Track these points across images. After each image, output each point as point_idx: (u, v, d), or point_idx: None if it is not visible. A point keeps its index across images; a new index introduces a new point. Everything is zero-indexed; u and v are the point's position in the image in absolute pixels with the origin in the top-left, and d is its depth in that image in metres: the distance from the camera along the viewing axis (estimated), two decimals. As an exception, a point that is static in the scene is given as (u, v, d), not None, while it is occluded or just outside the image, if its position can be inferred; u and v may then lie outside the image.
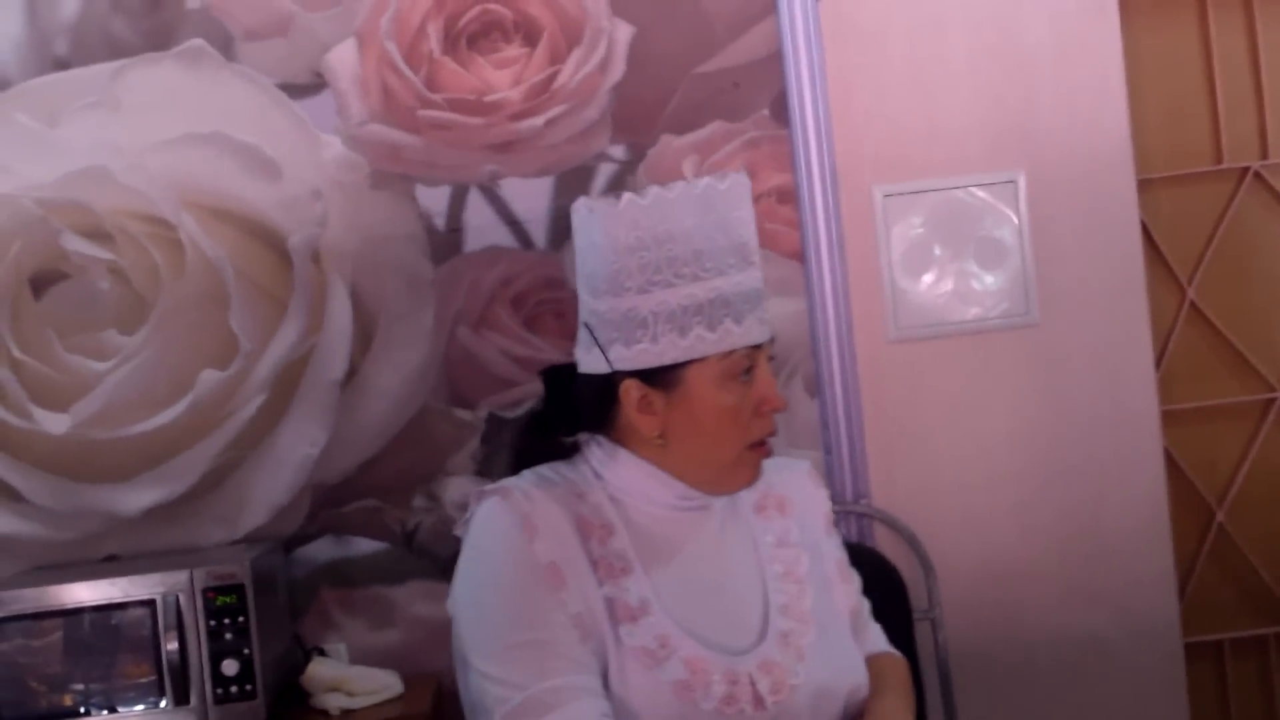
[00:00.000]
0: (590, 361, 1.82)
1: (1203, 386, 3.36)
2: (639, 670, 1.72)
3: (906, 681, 2.00)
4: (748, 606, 1.83)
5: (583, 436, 1.89)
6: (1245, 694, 3.38)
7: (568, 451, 1.90)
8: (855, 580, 2.03)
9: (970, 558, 3.20)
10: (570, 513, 1.79)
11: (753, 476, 1.82)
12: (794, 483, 1.97)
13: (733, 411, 1.76)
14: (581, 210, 1.82)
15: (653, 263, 1.74)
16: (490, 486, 1.82)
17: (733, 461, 1.79)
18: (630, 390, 1.79)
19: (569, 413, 1.88)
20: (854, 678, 1.85)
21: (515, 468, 1.90)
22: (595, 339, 1.80)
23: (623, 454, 1.83)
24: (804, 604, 1.84)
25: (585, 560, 1.77)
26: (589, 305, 1.82)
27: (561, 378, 1.88)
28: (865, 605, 2.06)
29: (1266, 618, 3.36)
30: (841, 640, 1.89)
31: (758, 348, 1.77)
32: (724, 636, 1.78)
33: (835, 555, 1.97)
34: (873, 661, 1.97)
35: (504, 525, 1.77)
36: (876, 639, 2.06)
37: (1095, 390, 3.22)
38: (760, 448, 1.80)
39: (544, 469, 1.87)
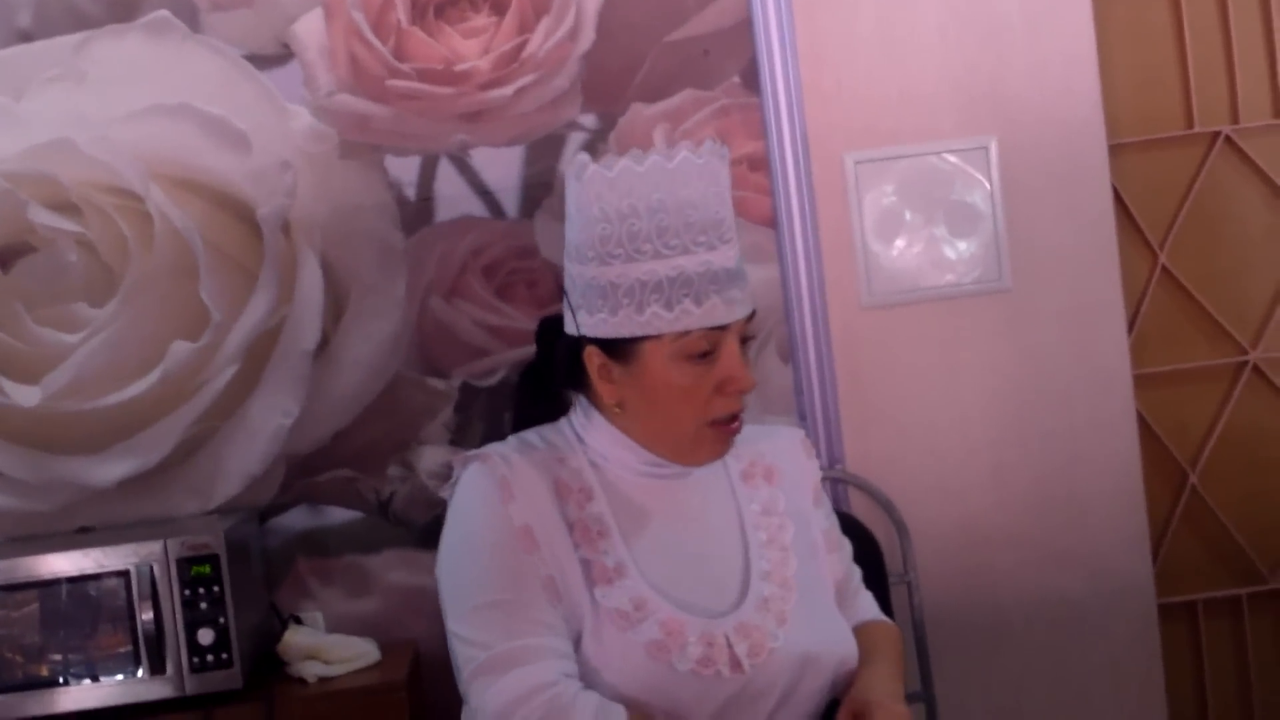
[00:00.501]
0: (568, 322, 1.83)
1: (1175, 350, 3.37)
2: (614, 632, 1.73)
3: (897, 649, 2.00)
4: (728, 572, 1.83)
5: (573, 394, 1.90)
6: (1219, 654, 3.39)
7: (562, 408, 1.91)
8: (846, 548, 2.03)
9: (945, 522, 3.20)
10: (548, 476, 1.80)
11: (717, 452, 1.81)
12: (784, 451, 1.97)
13: (685, 391, 1.74)
14: (567, 174, 1.81)
15: (614, 236, 1.72)
16: (474, 452, 1.83)
17: (691, 437, 1.78)
18: (592, 357, 1.79)
19: (551, 369, 1.89)
20: (841, 647, 1.85)
21: (515, 421, 1.93)
22: (568, 301, 1.81)
23: (596, 418, 1.84)
24: (787, 571, 1.84)
25: (562, 523, 1.77)
26: (566, 266, 1.82)
27: (555, 332, 1.88)
28: (856, 573, 2.06)
29: (1239, 578, 3.38)
30: (826, 609, 1.89)
31: (723, 328, 1.74)
32: (701, 599, 1.78)
33: (823, 525, 1.96)
34: (864, 629, 1.97)
35: (481, 489, 1.79)
36: (868, 607, 2.06)
37: (1068, 354, 3.22)
38: (725, 425, 1.78)
39: (530, 434, 1.88)
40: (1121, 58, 3.33)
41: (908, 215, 3.21)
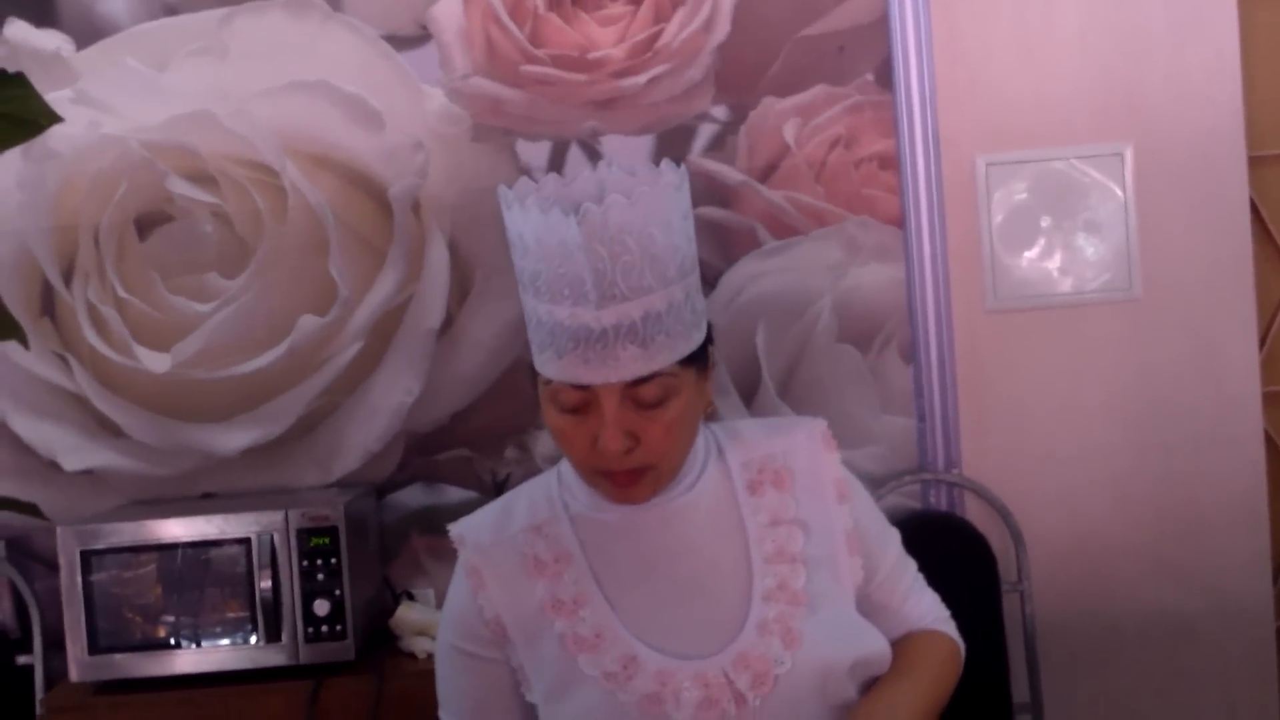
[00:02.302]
0: None
1: (1307, 369, 3.31)
2: (603, 695, 1.67)
3: (934, 666, 1.84)
4: (725, 601, 1.72)
5: None
6: (1337, 680, 3.33)
7: None
8: (888, 543, 1.88)
9: (1061, 531, 3.17)
10: (521, 555, 1.74)
11: (622, 497, 1.68)
12: (799, 449, 1.82)
13: (562, 435, 1.65)
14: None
15: (519, 263, 1.63)
16: (453, 529, 1.80)
17: (588, 478, 1.70)
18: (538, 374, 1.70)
19: None
20: (856, 650, 1.72)
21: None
22: None
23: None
24: (796, 583, 1.73)
25: (535, 603, 1.72)
26: None
27: None
28: (908, 571, 1.91)
29: (1362, 605, 3.31)
30: (842, 615, 1.76)
31: (585, 388, 1.60)
32: (697, 639, 1.69)
33: (845, 525, 1.80)
34: (907, 641, 1.85)
35: (456, 583, 1.80)
36: (921, 615, 1.89)
37: (1196, 369, 3.17)
38: (614, 476, 1.66)
39: (518, 495, 1.82)
40: (1265, 67, 3.26)
41: (1038, 220, 3.18)
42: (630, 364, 1.59)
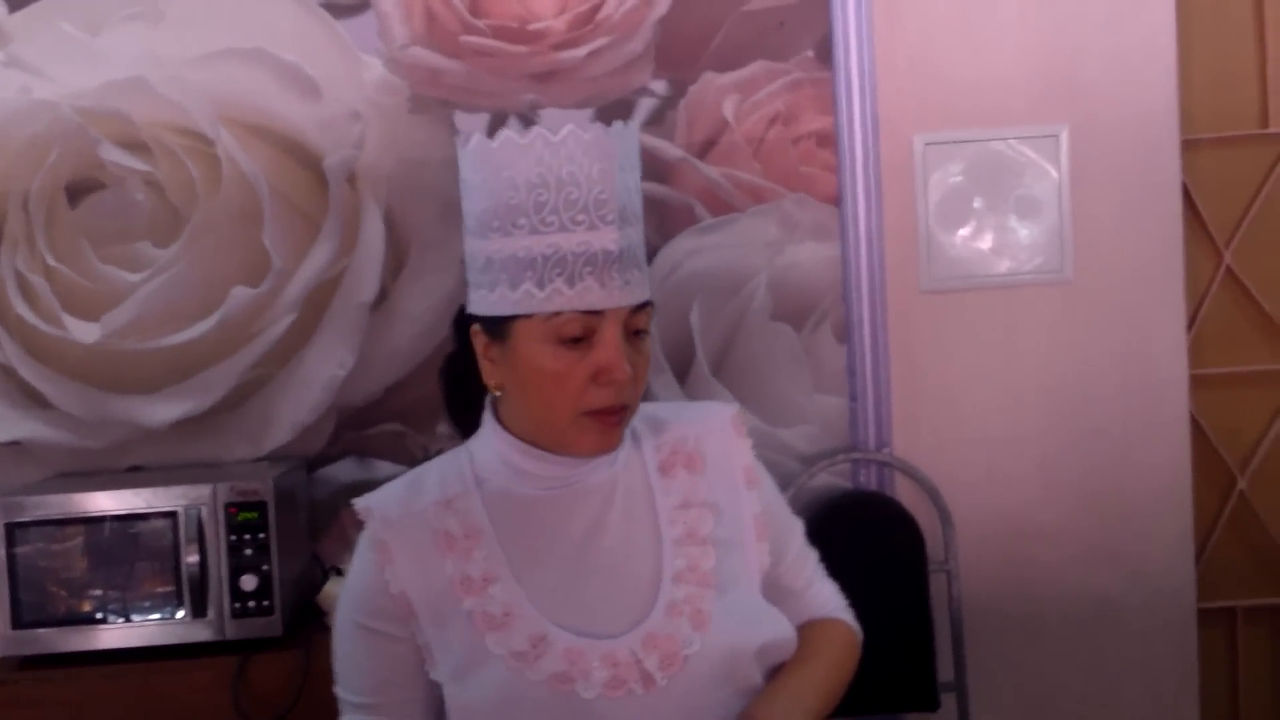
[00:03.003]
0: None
1: (1233, 352, 3.33)
2: (512, 674, 1.66)
3: (838, 652, 1.87)
4: (634, 581, 1.73)
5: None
6: (1255, 661, 3.38)
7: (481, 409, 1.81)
8: (791, 529, 1.90)
9: (989, 512, 3.20)
10: (431, 530, 1.73)
11: (596, 445, 1.69)
12: (711, 433, 1.84)
13: (556, 376, 1.64)
14: (457, 144, 1.72)
15: (492, 208, 1.64)
16: (359, 502, 1.77)
17: (566, 426, 1.67)
18: (477, 336, 1.71)
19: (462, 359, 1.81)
20: (763, 633, 1.74)
21: (450, 415, 1.86)
22: (467, 278, 1.73)
23: (495, 424, 1.76)
24: (705, 565, 1.74)
25: (443, 579, 1.71)
26: (464, 241, 1.74)
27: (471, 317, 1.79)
28: (809, 560, 1.93)
29: (1281, 587, 3.37)
30: (749, 598, 1.77)
31: (599, 313, 1.63)
32: (606, 619, 1.70)
33: (754, 510, 1.82)
34: (809, 628, 1.87)
35: (361, 556, 1.76)
36: (822, 603, 1.93)
37: (1125, 351, 3.20)
38: (604, 416, 1.67)
39: (429, 468, 1.81)
40: (1201, 52, 3.28)
41: (973, 200, 3.19)
42: (637, 287, 1.66)
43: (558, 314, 1.62)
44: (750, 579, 1.79)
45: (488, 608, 1.68)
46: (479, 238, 1.66)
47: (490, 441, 1.75)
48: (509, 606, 1.68)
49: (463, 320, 1.76)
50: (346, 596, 1.77)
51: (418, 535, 1.72)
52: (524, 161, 1.61)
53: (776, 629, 1.76)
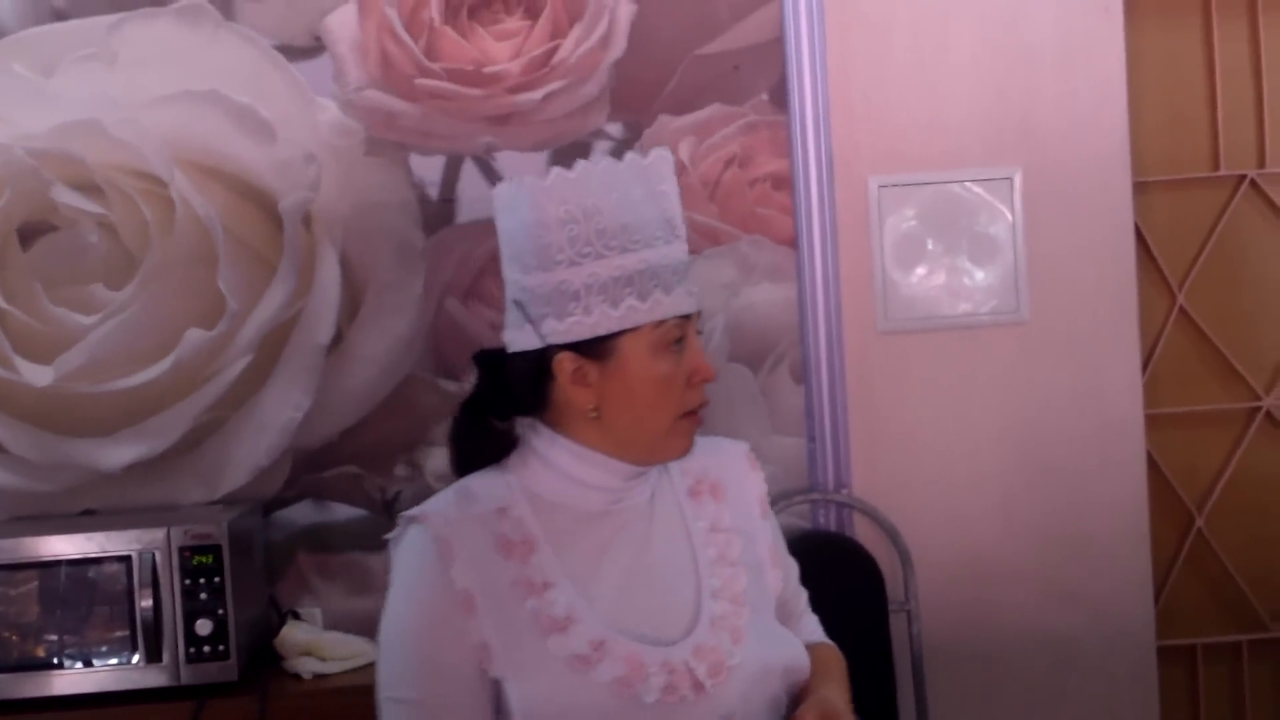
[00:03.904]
0: (521, 339, 1.80)
1: (1188, 392, 3.36)
2: (572, 676, 1.73)
3: (845, 671, 2.00)
4: (680, 595, 1.83)
5: (522, 426, 1.87)
6: (1216, 700, 3.38)
7: (507, 446, 1.87)
8: (791, 567, 2.02)
9: (949, 552, 3.20)
10: (491, 532, 1.78)
11: (686, 446, 1.84)
12: (729, 466, 1.98)
13: (667, 380, 1.78)
14: (508, 187, 1.81)
15: (582, 235, 1.74)
16: (412, 511, 1.82)
17: (666, 431, 1.80)
18: (564, 363, 1.77)
19: (503, 396, 1.85)
20: (788, 654, 1.85)
21: (457, 463, 1.89)
22: (527, 315, 1.79)
23: (561, 441, 1.82)
24: (738, 587, 1.85)
25: (505, 580, 1.77)
26: (519, 282, 1.80)
27: (493, 361, 1.86)
28: (803, 595, 2.05)
29: (1240, 624, 3.38)
30: (770, 619, 1.89)
31: (686, 318, 1.79)
32: (658, 627, 1.79)
33: (768, 539, 1.96)
34: (812, 650, 1.95)
35: (420, 555, 1.78)
36: (814, 629, 2.06)
37: (1081, 391, 3.22)
38: (692, 417, 1.82)
39: (471, 482, 1.85)
40: (1151, 95, 3.32)
41: (928, 242, 3.21)
42: (697, 294, 1.82)
43: (663, 321, 1.76)
44: (769, 602, 1.91)
45: (550, 611, 1.75)
46: (569, 266, 1.75)
47: (548, 457, 1.82)
48: (570, 610, 1.75)
49: (486, 358, 1.87)
50: (403, 596, 1.79)
51: (478, 536, 1.78)
52: (604, 187, 1.75)
53: (796, 648, 1.87)
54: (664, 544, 1.86)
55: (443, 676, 1.75)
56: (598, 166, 1.76)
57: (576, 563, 1.80)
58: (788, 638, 1.88)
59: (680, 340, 1.78)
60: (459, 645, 1.74)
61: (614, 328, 1.75)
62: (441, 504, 1.82)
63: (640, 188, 1.77)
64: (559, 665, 1.73)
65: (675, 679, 1.74)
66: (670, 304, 1.76)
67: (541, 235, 1.76)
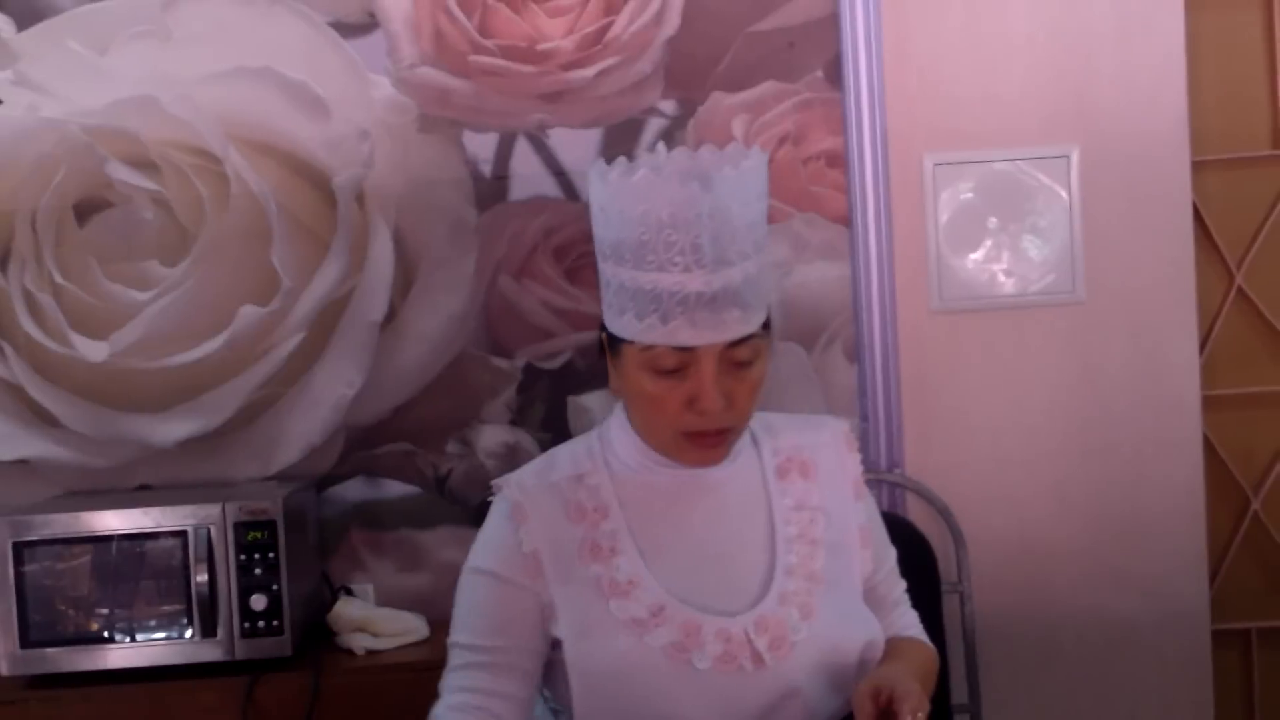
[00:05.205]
0: None
1: (1246, 373, 3.32)
2: (629, 639, 1.79)
3: (929, 664, 2.01)
4: (751, 568, 1.87)
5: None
6: (1271, 683, 3.35)
7: None
8: (887, 553, 2.04)
9: (1002, 533, 3.18)
10: (564, 500, 1.87)
11: (703, 459, 1.85)
12: (825, 445, 1.98)
13: (653, 399, 1.79)
14: (589, 174, 1.84)
15: (608, 237, 1.78)
16: (502, 478, 1.92)
17: (669, 441, 1.83)
18: (604, 340, 1.86)
19: None
20: (866, 633, 1.87)
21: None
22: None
23: (621, 417, 1.91)
24: (815, 564, 1.88)
25: (573, 544, 1.85)
26: None
27: None
28: (899, 585, 2.07)
29: (1297, 609, 3.35)
30: (851, 598, 1.91)
31: (692, 349, 1.75)
32: (721, 598, 1.83)
33: (859, 520, 1.97)
34: (900, 640, 1.99)
35: (496, 518, 1.89)
36: (910, 624, 2.07)
37: (1137, 371, 3.19)
38: (703, 437, 1.81)
39: (561, 450, 1.96)
40: (1211, 73, 3.27)
41: (984, 221, 3.18)
42: (734, 325, 1.75)
43: (652, 347, 1.75)
44: (853, 583, 1.93)
45: (614, 575, 1.82)
46: (602, 259, 1.81)
47: (623, 433, 1.90)
48: (632, 576, 1.82)
49: None
50: (479, 550, 1.90)
51: (551, 502, 1.87)
52: (629, 199, 1.74)
53: (874, 630, 1.89)
54: (739, 519, 1.89)
55: (504, 631, 1.84)
56: (634, 175, 1.74)
57: (646, 530, 1.85)
58: (868, 620, 1.89)
59: (678, 370, 1.76)
60: (524, 599, 1.83)
61: (615, 330, 1.81)
62: (524, 472, 1.93)
63: (668, 209, 1.71)
64: (619, 628, 1.79)
65: (732, 648, 1.78)
66: (663, 333, 1.74)
67: (593, 217, 1.82)
